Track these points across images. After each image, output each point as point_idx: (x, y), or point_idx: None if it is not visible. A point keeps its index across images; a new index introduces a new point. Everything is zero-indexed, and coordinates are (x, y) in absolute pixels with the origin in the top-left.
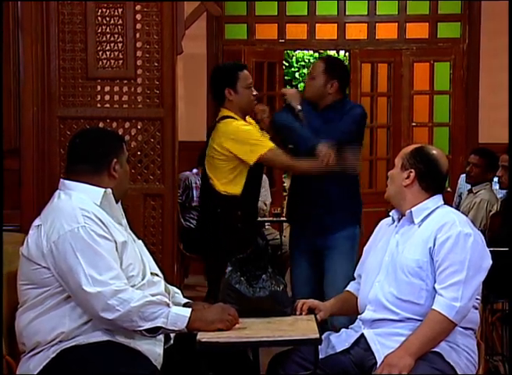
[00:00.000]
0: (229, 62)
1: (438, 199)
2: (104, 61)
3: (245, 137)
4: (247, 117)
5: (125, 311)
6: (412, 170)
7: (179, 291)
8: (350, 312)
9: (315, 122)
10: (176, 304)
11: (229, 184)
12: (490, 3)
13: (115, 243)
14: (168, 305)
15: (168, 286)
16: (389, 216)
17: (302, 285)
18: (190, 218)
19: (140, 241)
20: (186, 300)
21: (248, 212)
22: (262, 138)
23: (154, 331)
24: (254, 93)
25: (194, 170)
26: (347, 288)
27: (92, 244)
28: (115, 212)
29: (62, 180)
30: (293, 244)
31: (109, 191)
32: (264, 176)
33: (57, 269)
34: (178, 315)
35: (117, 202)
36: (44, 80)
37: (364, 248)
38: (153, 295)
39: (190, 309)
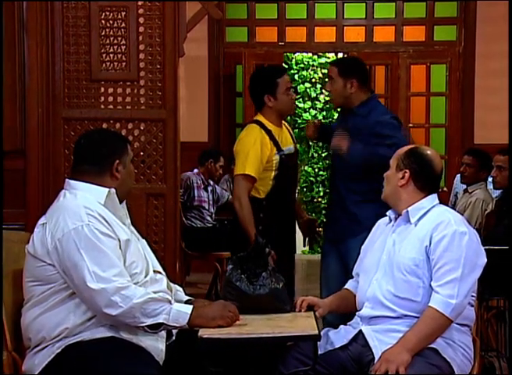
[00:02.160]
0: (269, 66)
1: (433, 198)
2: (108, 63)
3: (238, 150)
4: (283, 122)
5: (127, 307)
6: (407, 170)
7: (181, 289)
8: (348, 309)
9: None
10: (178, 301)
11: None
12: (485, 8)
13: (119, 241)
14: (169, 302)
15: (171, 284)
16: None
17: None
18: (192, 217)
19: (144, 240)
20: (187, 297)
21: (273, 215)
22: (249, 160)
23: (155, 327)
24: (294, 97)
25: (195, 170)
26: (346, 286)
27: (96, 241)
28: (119, 211)
29: (67, 179)
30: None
31: (113, 190)
32: None
33: (61, 266)
34: (179, 311)
35: (121, 202)
36: (48, 82)
37: (362, 247)
38: (155, 292)
39: (191, 306)
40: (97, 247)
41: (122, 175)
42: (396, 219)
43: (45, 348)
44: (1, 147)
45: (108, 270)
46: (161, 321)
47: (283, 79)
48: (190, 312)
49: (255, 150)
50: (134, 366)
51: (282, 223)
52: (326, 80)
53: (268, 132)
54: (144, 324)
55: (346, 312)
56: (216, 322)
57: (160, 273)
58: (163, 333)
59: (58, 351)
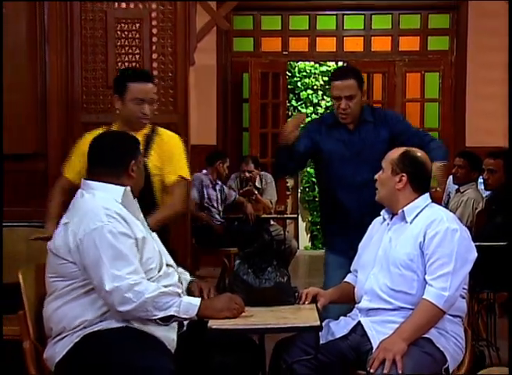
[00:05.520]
0: (136, 69)
1: (426, 198)
2: None
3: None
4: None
5: (140, 302)
6: (404, 174)
7: (184, 271)
8: (348, 300)
9: (358, 142)
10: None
11: None
12: (476, 20)
13: (136, 240)
14: (179, 295)
15: (179, 269)
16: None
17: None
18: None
19: (155, 234)
20: (191, 278)
21: None
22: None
23: (167, 320)
24: (144, 111)
25: (204, 171)
26: (345, 279)
27: (113, 241)
28: (133, 207)
29: (83, 180)
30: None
31: (128, 188)
32: (270, 176)
33: (82, 264)
34: (189, 304)
35: (134, 198)
36: (68, 89)
37: (360, 245)
38: (167, 286)
39: (199, 299)
40: (115, 246)
41: (136, 174)
42: (391, 218)
43: (65, 338)
44: (1, 147)
45: (123, 269)
46: (172, 313)
47: (137, 87)
48: (198, 304)
49: None
50: (147, 354)
51: None
52: (327, 87)
53: None
54: (156, 317)
55: (345, 303)
56: (224, 314)
57: (171, 266)
58: (174, 324)
59: (77, 339)
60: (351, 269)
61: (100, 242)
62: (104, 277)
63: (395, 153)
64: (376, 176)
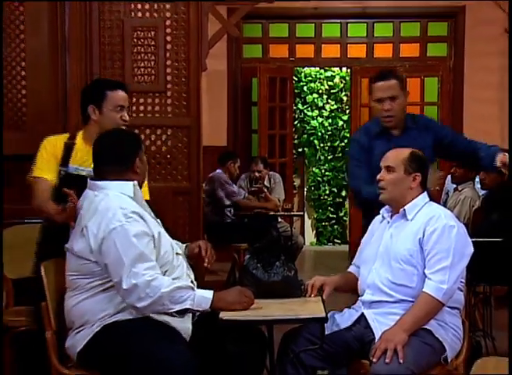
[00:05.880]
0: (108, 79)
1: (425, 196)
2: (139, 76)
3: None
4: None
5: (157, 297)
6: (418, 174)
7: (180, 243)
8: (351, 289)
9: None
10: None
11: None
12: (472, 28)
13: (153, 237)
14: (193, 289)
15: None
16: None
17: None
18: (211, 211)
19: (158, 221)
20: (185, 244)
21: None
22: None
23: (182, 312)
24: (124, 118)
25: (218, 170)
26: (349, 270)
27: (132, 241)
28: (142, 202)
29: (90, 181)
30: None
31: (136, 183)
32: (278, 176)
33: (103, 263)
34: (203, 297)
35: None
36: None
37: (362, 240)
38: (179, 277)
39: (211, 291)
40: (134, 245)
41: (141, 169)
42: (391, 216)
43: (86, 328)
44: (0, 146)
45: (141, 265)
46: (187, 307)
47: (116, 94)
48: (211, 297)
49: (41, 153)
50: (165, 343)
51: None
52: (332, 91)
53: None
54: (172, 310)
55: (348, 292)
56: (235, 306)
57: (180, 254)
58: (189, 314)
59: (97, 329)
60: (353, 263)
61: (119, 242)
62: (123, 276)
63: (403, 153)
64: (383, 177)
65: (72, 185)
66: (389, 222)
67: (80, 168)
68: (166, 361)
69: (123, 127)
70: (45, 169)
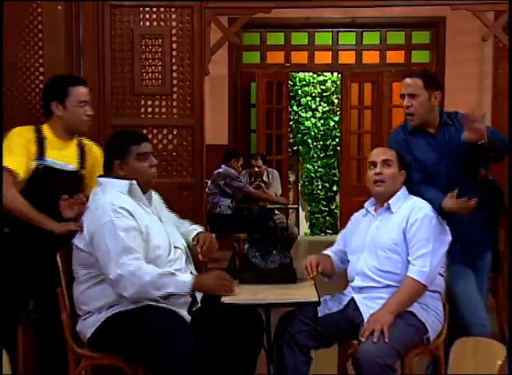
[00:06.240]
0: (68, 75)
1: (405, 189)
2: (147, 80)
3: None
4: (87, 142)
5: (141, 286)
6: (404, 171)
7: (188, 225)
8: (330, 273)
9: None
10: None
11: None
12: (452, 37)
13: (141, 231)
14: (174, 275)
15: (185, 223)
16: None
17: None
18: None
19: (170, 217)
20: (197, 231)
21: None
22: (13, 152)
23: (166, 297)
24: (88, 113)
25: (223, 166)
26: (325, 252)
27: (120, 235)
28: (142, 198)
29: (97, 178)
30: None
31: (135, 182)
32: (276, 171)
33: (95, 256)
34: (183, 282)
35: (144, 191)
36: (100, 96)
37: (340, 236)
38: (178, 270)
39: (190, 275)
40: (121, 239)
41: (126, 171)
42: (375, 210)
43: (93, 315)
44: (0, 146)
45: (126, 257)
46: (170, 292)
47: (78, 90)
48: (190, 280)
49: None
50: (164, 319)
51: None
52: (324, 94)
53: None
54: (156, 296)
55: (327, 274)
56: (215, 292)
57: (179, 247)
58: (185, 300)
59: (103, 319)
60: (333, 249)
61: (108, 236)
62: (110, 267)
63: (390, 150)
64: (382, 171)
65: (50, 179)
66: (374, 215)
67: (56, 162)
68: (169, 346)
69: (87, 123)
70: (19, 161)
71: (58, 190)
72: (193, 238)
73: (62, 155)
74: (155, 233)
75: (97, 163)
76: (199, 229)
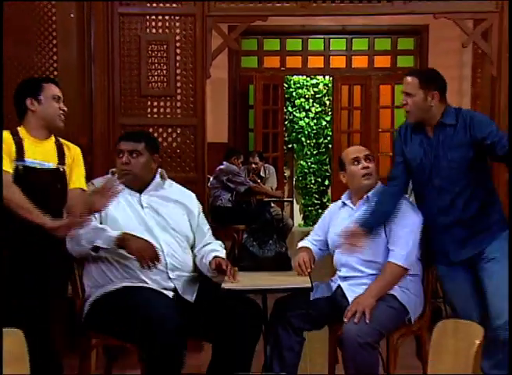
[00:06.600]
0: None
1: (380, 182)
2: (153, 83)
3: None
4: (64, 142)
5: (76, 238)
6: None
7: (216, 247)
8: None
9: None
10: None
11: None
12: (435, 44)
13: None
14: (104, 230)
15: (213, 242)
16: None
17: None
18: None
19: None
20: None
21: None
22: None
23: (96, 250)
24: (62, 108)
25: (225, 163)
26: (304, 245)
27: None
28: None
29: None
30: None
31: (110, 175)
32: (272, 167)
33: None
34: (109, 236)
35: (140, 190)
36: (109, 97)
37: (316, 227)
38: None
39: (118, 233)
40: None
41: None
42: (353, 203)
43: (88, 300)
44: (0, 144)
45: None
46: (98, 244)
47: (50, 86)
48: (116, 236)
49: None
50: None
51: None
52: (317, 96)
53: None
54: (88, 248)
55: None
56: (135, 254)
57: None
58: (169, 285)
59: (91, 301)
60: (311, 239)
61: None
62: None
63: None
64: (368, 165)
65: (30, 178)
66: (352, 208)
67: (35, 162)
68: (155, 320)
69: (63, 118)
70: (6, 162)
71: (40, 188)
72: (210, 262)
73: (41, 154)
74: (126, 227)
75: (77, 159)
76: (216, 249)
